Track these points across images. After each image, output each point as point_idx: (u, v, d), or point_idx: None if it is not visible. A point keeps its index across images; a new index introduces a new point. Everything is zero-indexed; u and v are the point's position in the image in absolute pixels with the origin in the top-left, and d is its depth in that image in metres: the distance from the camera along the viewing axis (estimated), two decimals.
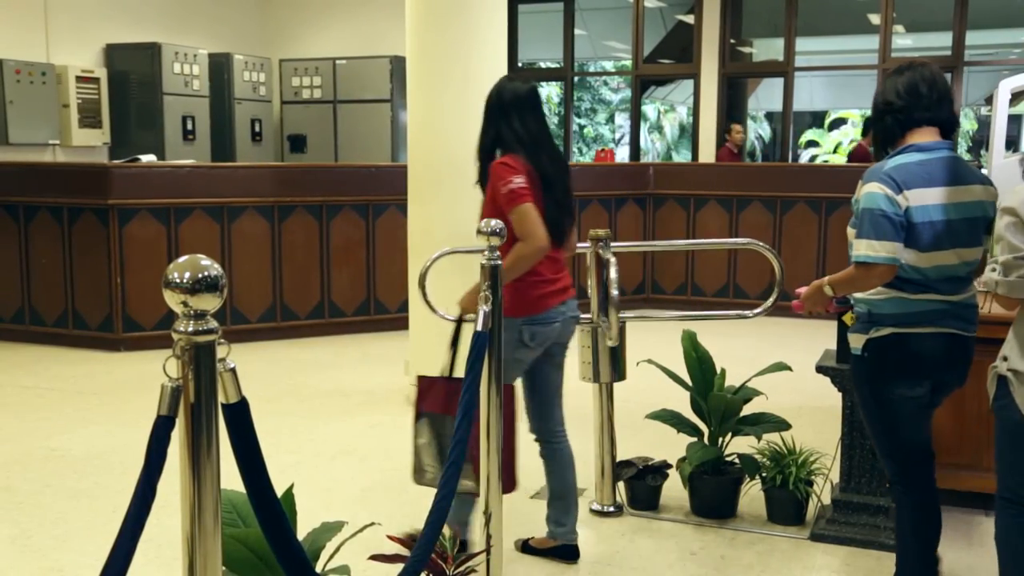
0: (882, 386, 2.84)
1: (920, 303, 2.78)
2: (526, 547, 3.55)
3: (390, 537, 2.60)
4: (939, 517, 2.97)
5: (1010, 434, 2.59)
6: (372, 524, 2.54)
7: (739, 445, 3.95)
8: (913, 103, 2.82)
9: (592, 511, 3.91)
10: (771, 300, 3.68)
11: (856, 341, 2.89)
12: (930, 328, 2.78)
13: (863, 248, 2.71)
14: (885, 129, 2.88)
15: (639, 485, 3.95)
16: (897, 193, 2.70)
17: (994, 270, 2.51)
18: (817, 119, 20.73)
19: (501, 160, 3.29)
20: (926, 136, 2.81)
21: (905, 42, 12.56)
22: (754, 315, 3.76)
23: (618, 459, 3.99)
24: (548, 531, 3.51)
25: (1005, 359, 2.57)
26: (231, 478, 1.75)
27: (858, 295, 2.89)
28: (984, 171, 2.82)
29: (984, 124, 17.01)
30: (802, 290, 3.02)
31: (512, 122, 3.34)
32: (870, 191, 2.75)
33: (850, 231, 2.84)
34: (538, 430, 3.51)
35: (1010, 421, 2.56)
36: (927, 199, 2.72)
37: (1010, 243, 2.47)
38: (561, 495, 3.49)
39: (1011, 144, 10.54)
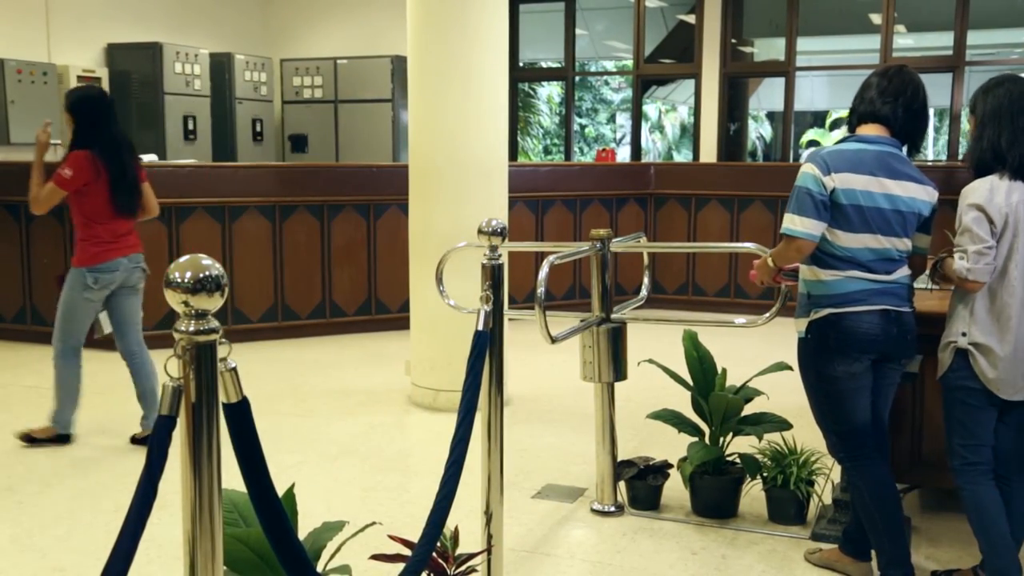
0: (825, 364, 3.05)
1: (853, 282, 2.99)
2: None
3: (391, 537, 2.60)
4: (894, 484, 3.20)
5: (968, 402, 2.95)
6: (373, 524, 2.55)
7: (740, 445, 3.95)
8: (864, 99, 3.10)
9: (593, 511, 3.91)
10: (775, 308, 3.70)
11: (800, 325, 3.12)
12: (864, 307, 2.98)
13: (787, 221, 3.00)
14: (849, 124, 3.19)
15: (640, 485, 3.95)
16: (825, 175, 2.96)
17: (963, 259, 2.85)
18: (818, 119, 20.72)
19: (74, 153, 4.54)
20: (871, 131, 3.06)
21: (906, 42, 12.55)
22: (763, 322, 3.77)
23: (619, 459, 3.99)
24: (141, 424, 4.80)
25: (964, 334, 2.92)
26: (232, 478, 1.75)
27: (804, 278, 3.11)
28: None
29: None
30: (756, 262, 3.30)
31: (95, 123, 4.57)
32: (803, 171, 3.02)
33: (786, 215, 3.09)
34: (121, 351, 4.81)
35: (969, 390, 2.93)
36: (854, 184, 2.95)
37: (977, 235, 2.84)
38: (143, 395, 4.80)
39: None
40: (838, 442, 3.15)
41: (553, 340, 3.33)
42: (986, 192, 2.87)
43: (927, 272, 3.14)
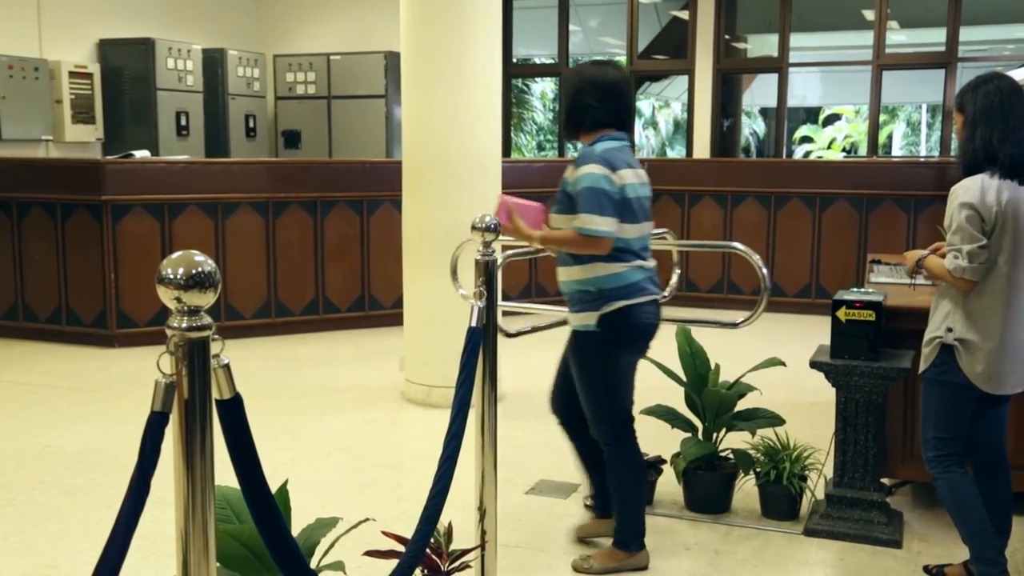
0: (614, 354, 3.20)
1: (635, 272, 3.21)
2: None
3: (385, 533, 2.60)
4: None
5: (949, 396, 2.99)
6: (367, 520, 2.55)
7: (733, 440, 3.95)
8: (591, 105, 3.26)
9: (586, 506, 3.91)
10: (759, 309, 3.74)
11: (588, 318, 3.20)
12: (646, 297, 3.22)
13: (588, 222, 3.10)
14: (583, 119, 3.29)
15: None
16: (614, 172, 3.15)
17: (957, 257, 2.89)
18: (811, 115, 20.75)
19: None
20: (610, 130, 3.28)
21: (899, 38, 12.56)
22: (741, 324, 3.83)
23: None
24: None
25: (950, 330, 2.96)
26: (225, 474, 1.75)
27: (587, 275, 3.20)
28: None
29: None
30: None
31: None
32: (591, 172, 3.14)
33: (555, 217, 3.24)
34: None
35: (952, 384, 2.97)
36: (630, 179, 3.20)
37: (972, 234, 2.88)
38: None
39: None
40: (610, 429, 3.31)
41: (508, 335, 3.35)
42: (978, 191, 2.89)
43: (907, 270, 3.23)
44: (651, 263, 3.28)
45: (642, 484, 3.48)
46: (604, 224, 3.09)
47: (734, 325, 4.21)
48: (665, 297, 3.35)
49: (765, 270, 4.10)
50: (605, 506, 3.51)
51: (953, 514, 3.08)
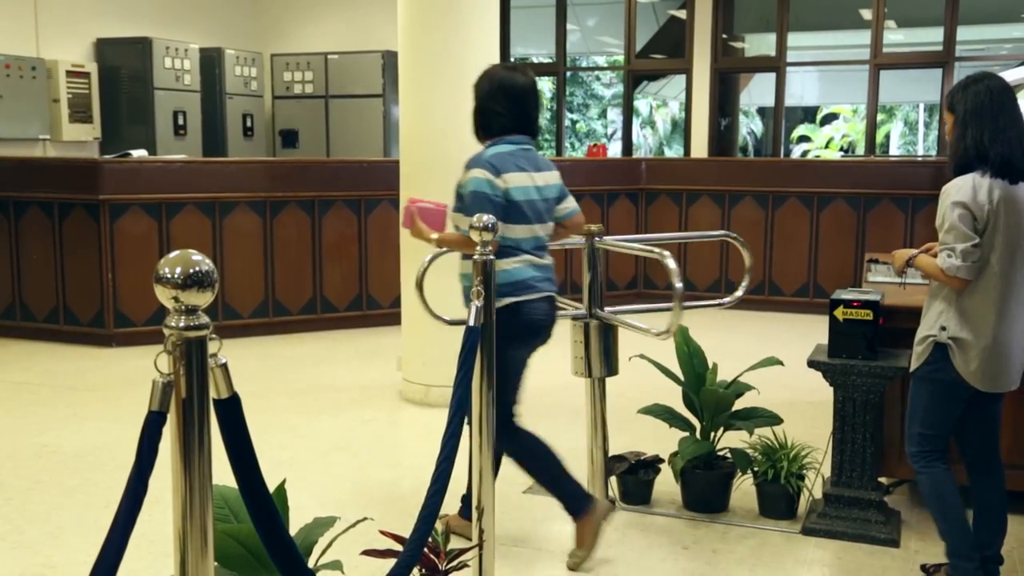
0: (501, 348, 3.14)
1: (524, 270, 3.35)
2: None
3: (383, 532, 2.60)
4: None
5: (940, 394, 3.04)
6: (364, 519, 2.55)
7: (731, 440, 3.96)
8: (494, 111, 3.42)
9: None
10: (740, 291, 3.78)
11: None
12: (536, 294, 3.35)
13: (464, 223, 3.21)
14: (491, 124, 3.45)
15: (631, 480, 3.96)
16: (498, 176, 3.28)
17: (951, 256, 2.91)
18: (809, 114, 20.76)
19: None
20: (512, 134, 3.42)
21: (896, 37, 12.58)
22: (728, 304, 3.87)
23: (610, 454, 3.99)
24: None
25: (944, 329, 2.99)
26: (223, 474, 1.75)
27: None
28: None
29: None
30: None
31: None
32: (474, 176, 3.31)
33: (452, 215, 3.42)
34: None
35: (943, 383, 3.01)
36: (521, 181, 3.34)
37: (964, 233, 2.90)
38: None
39: None
40: (501, 411, 3.32)
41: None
42: (970, 190, 2.92)
43: (896, 268, 3.27)
44: (545, 261, 3.43)
45: (544, 459, 3.45)
46: None
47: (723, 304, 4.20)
48: (555, 293, 3.48)
49: (747, 253, 4.08)
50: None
51: (933, 509, 3.14)
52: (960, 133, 2.99)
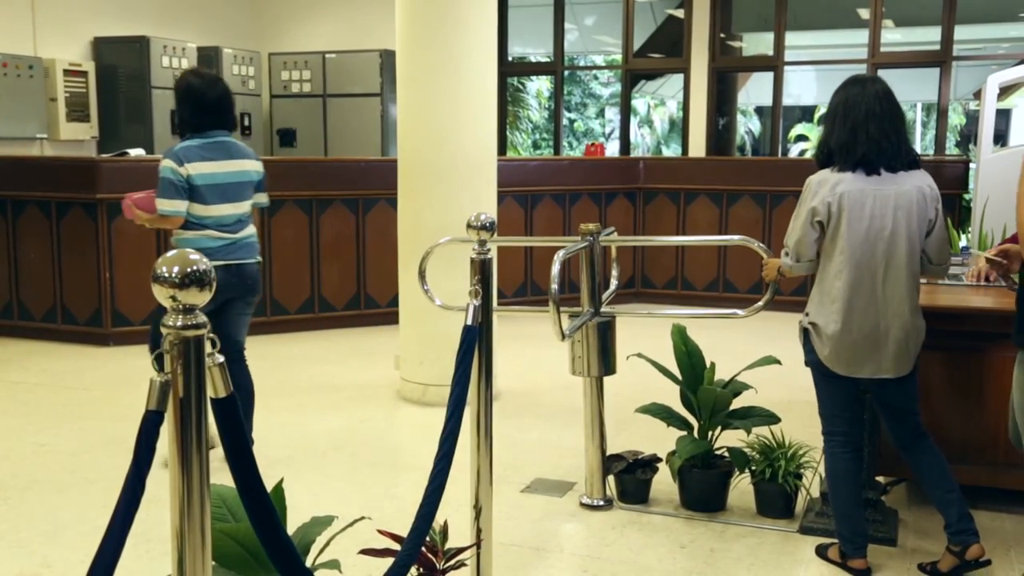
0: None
1: (206, 241, 4.09)
2: None
3: (380, 531, 2.60)
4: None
5: (818, 377, 3.26)
6: (362, 518, 2.55)
7: (728, 439, 3.96)
8: (202, 112, 4.18)
9: (582, 505, 3.92)
10: (765, 298, 3.70)
11: None
12: (220, 261, 4.04)
13: (159, 204, 4.08)
14: (185, 124, 4.24)
15: (629, 479, 3.96)
16: (180, 165, 4.05)
17: (787, 256, 3.22)
18: (807, 113, 20.76)
19: None
20: (214, 128, 4.19)
21: (894, 36, 12.57)
22: (746, 314, 3.80)
23: (608, 453, 4.00)
24: None
25: (807, 315, 3.23)
26: (220, 473, 1.75)
27: (175, 240, 4.15)
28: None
29: (972, 119, 17.06)
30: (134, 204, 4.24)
31: None
32: (163, 165, 4.08)
33: (156, 198, 4.11)
34: None
35: (816, 365, 3.22)
36: (204, 169, 4.09)
37: (798, 231, 3.20)
38: None
39: (999, 139, 10.57)
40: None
41: (564, 337, 3.34)
42: (815, 185, 3.16)
43: (770, 279, 3.45)
44: (233, 235, 4.18)
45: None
46: (170, 205, 4.07)
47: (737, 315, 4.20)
48: (244, 262, 4.22)
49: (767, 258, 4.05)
50: None
51: (829, 491, 3.35)
52: (825, 130, 3.21)
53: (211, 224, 4.12)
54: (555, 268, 3.34)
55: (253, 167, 4.31)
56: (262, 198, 4.41)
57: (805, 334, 3.25)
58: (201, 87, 4.17)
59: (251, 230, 4.30)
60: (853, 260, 3.09)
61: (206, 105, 4.16)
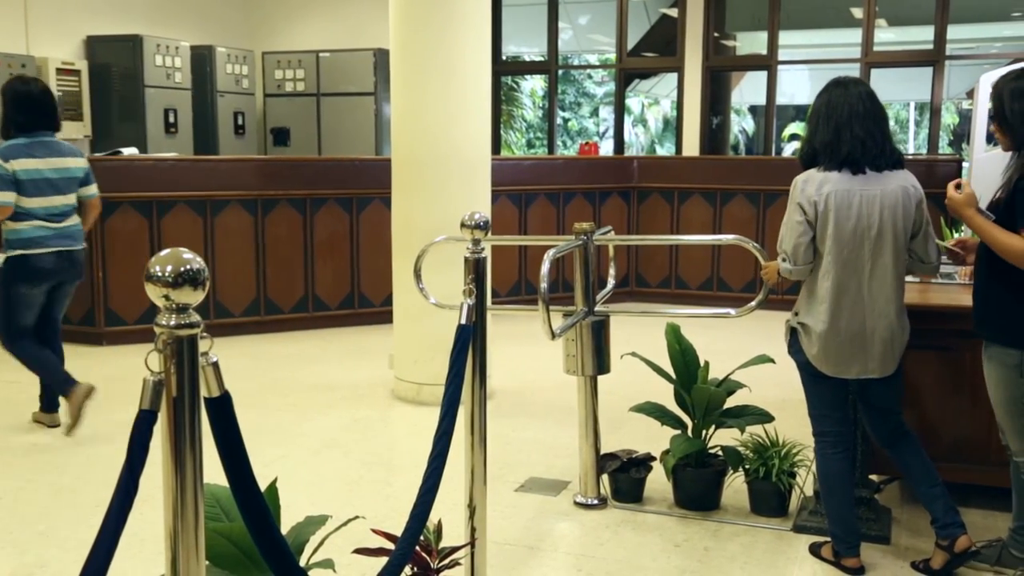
0: (13, 286, 4.61)
1: (34, 230, 4.57)
2: None
3: (374, 531, 2.59)
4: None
5: (806, 377, 3.27)
6: (356, 518, 2.54)
7: (722, 437, 3.96)
8: (23, 114, 4.64)
9: (576, 503, 3.92)
10: (759, 298, 3.70)
11: (1, 258, 4.59)
12: (44, 249, 4.59)
13: None
14: (9, 126, 4.67)
15: (623, 478, 3.96)
16: (6, 162, 4.48)
17: (784, 260, 3.19)
18: (800, 113, 20.76)
19: None
20: (37, 128, 4.63)
21: (887, 36, 12.59)
22: (738, 314, 3.81)
23: (602, 452, 4.00)
24: None
25: (796, 314, 3.25)
26: (214, 472, 1.75)
27: (4, 231, 4.59)
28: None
29: (965, 118, 17.10)
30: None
31: None
32: None
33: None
34: None
35: (803, 364, 3.24)
36: (29, 165, 4.53)
37: (792, 234, 3.19)
38: None
39: (992, 138, 10.60)
40: (6, 337, 4.80)
41: (554, 335, 3.34)
42: (801, 184, 3.18)
43: (771, 284, 3.42)
44: (59, 225, 4.64)
45: (46, 364, 4.84)
46: None
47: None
48: (71, 249, 4.70)
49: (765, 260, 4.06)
50: (49, 404, 4.96)
51: (821, 491, 3.36)
52: (809, 131, 3.22)
53: (40, 215, 4.58)
54: (544, 267, 3.35)
55: (76, 164, 4.74)
56: (91, 189, 4.82)
57: (793, 333, 3.26)
58: (25, 91, 4.64)
59: (75, 220, 4.75)
60: (840, 260, 3.10)
61: (30, 107, 4.63)
